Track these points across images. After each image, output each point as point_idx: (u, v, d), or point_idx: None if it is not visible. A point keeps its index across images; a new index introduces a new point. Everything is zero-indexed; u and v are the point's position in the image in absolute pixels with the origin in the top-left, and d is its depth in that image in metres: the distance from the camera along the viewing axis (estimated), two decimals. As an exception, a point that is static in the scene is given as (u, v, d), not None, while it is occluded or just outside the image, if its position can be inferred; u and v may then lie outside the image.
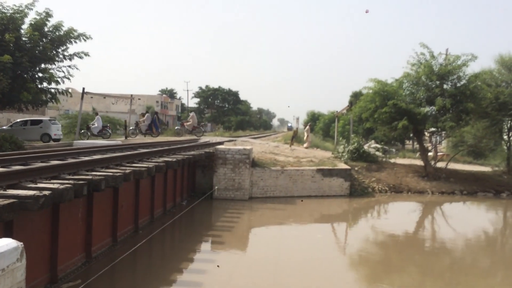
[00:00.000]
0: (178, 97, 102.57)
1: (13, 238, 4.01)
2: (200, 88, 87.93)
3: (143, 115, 26.44)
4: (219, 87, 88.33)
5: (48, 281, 7.28)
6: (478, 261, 11.21)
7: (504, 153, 24.35)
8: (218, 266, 9.03)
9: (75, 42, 20.28)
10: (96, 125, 22.73)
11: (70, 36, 19.98)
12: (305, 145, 26.14)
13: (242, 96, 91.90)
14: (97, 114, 23.58)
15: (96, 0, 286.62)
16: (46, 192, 5.87)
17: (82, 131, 23.13)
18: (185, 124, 24.67)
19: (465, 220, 16.54)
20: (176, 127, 24.68)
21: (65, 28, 19.99)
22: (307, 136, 26.82)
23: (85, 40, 20.51)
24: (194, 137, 29.89)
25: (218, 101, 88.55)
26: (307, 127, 27.45)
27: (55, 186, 6.35)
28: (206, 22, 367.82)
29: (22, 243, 3.78)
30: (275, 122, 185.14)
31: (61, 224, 7.50)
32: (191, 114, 25.63)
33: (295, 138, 26.88)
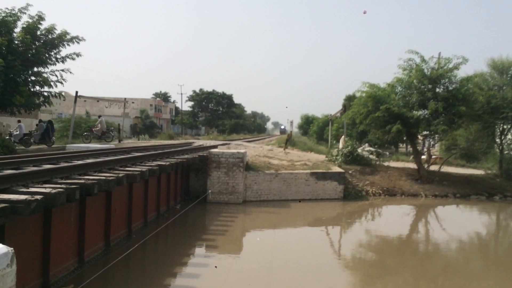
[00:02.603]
0: (172, 100, 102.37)
1: (4, 243, 3.96)
2: (194, 91, 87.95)
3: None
4: (213, 90, 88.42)
5: (40, 286, 7.22)
6: (471, 264, 11.26)
7: (497, 156, 24.52)
8: (216, 267, 9.04)
9: (68, 45, 20.22)
10: (18, 132, 21.97)
11: (63, 39, 19.92)
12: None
13: (236, 100, 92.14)
14: (19, 121, 22.76)
15: (90, 4, 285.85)
16: (38, 197, 5.82)
17: (7, 137, 22.40)
18: (93, 129, 24.04)
19: (458, 223, 16.62)
20: (85, 133, 23.91)
21: (58, 32, 19.93)
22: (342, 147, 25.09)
23: (78, 43, 20.47)
24: (188, 140, 29.86)
25: (212, 104, 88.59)
26: (343, 136, 26.15)
27: (47, 190, 6.30)
28: (200, 26, 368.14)
29: (12, 248, 3.74)
30: (269, 125, 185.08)
31: (53, 229, 7.45)
32: (100, 119, 24.91)
33: (289, 141, 26.91)
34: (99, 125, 23.98)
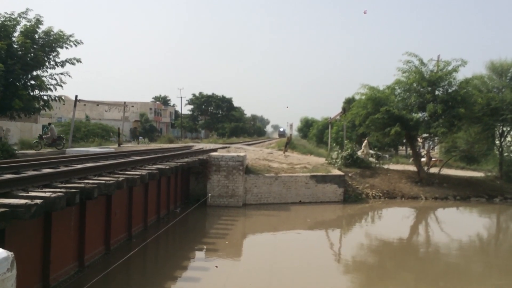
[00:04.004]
0: (171, 104, 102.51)
1: (4, 247, 3.95)
2: (194, 95, 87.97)
3: None
4: (213, 94, 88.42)
5: (40, 290, 7.20)
6: (472, 267, 11.24)
7: (497, 158, 24.52)
8: (216, 266, 9.05)
9: (66, 47, 20.22)
10: None
11: (60, 40, 19.90)
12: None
13: (235, 103, 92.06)
14: None
15: (89, 8, 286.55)
16: (38, 201, 5.82)
17: None
18: (44, 137, 24.09)
19: (459, 225, 16.60)
20: (34, 141, 23.92)
21: (55, 33, 19.92)
22: (365, 152, 25.00)
23: (75, 45, 20.46)
24: (188, 144, 29.86)
25: (212, 108, 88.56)
26: (365, 141, 26.01)
27: (47, 194, 6.30)
28: (199, 30, 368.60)
29: (12, 252, 3.73)
30: (269, 128, 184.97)
31: (53, 233, 7.44)
32: (50, 126, 24.95)
33: (289, 144, 26.90)
34: (50, 132, 23.89)
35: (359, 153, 24.77)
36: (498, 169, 23.98)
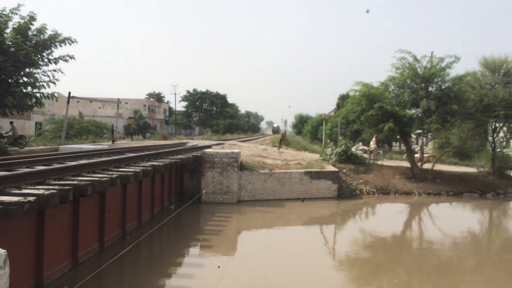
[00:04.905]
0: (165, 100, 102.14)
1: (-4, 245, 3.95)
2: (188, 91, 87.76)
3: None
4: (207, 90, 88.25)
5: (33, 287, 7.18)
6: (465, 261, 11.34)
7: (489, 154, 24.69)
8: (219, 266, 9.11)
9: (60, 46, 20.05)
10: None
11: (55, 40, 19.75)
12: (371, 156, 24.82)
13: (230, 100, 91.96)
14: (11, 122, 22.19)
15: (83, 4, 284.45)
16: (31, 198, 5.79)
17: None
18: (5, 135, 23.90)
19: (452, 220, 16.73)
20: None
21: (49, 32, 19.76)
22: (374, 148, 25.38)
23: (70, 44, 20.31)
24: (182, 140, 29.82)
25: (206, 104, 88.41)
26: (374, 138, 26.06)
27: (40, 192, 6.27)
28: (193, 25, 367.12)
29: (5, 250, 3.73)
30: (263, 125, 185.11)
31: (46, 230, 7.41)
32: (12, 125, 24.81)
33: (283, 141, 26.95)
34: (11, 131, 23.67)
35: (369, 147, 24.89)
36: (490, 165, 24.15)
